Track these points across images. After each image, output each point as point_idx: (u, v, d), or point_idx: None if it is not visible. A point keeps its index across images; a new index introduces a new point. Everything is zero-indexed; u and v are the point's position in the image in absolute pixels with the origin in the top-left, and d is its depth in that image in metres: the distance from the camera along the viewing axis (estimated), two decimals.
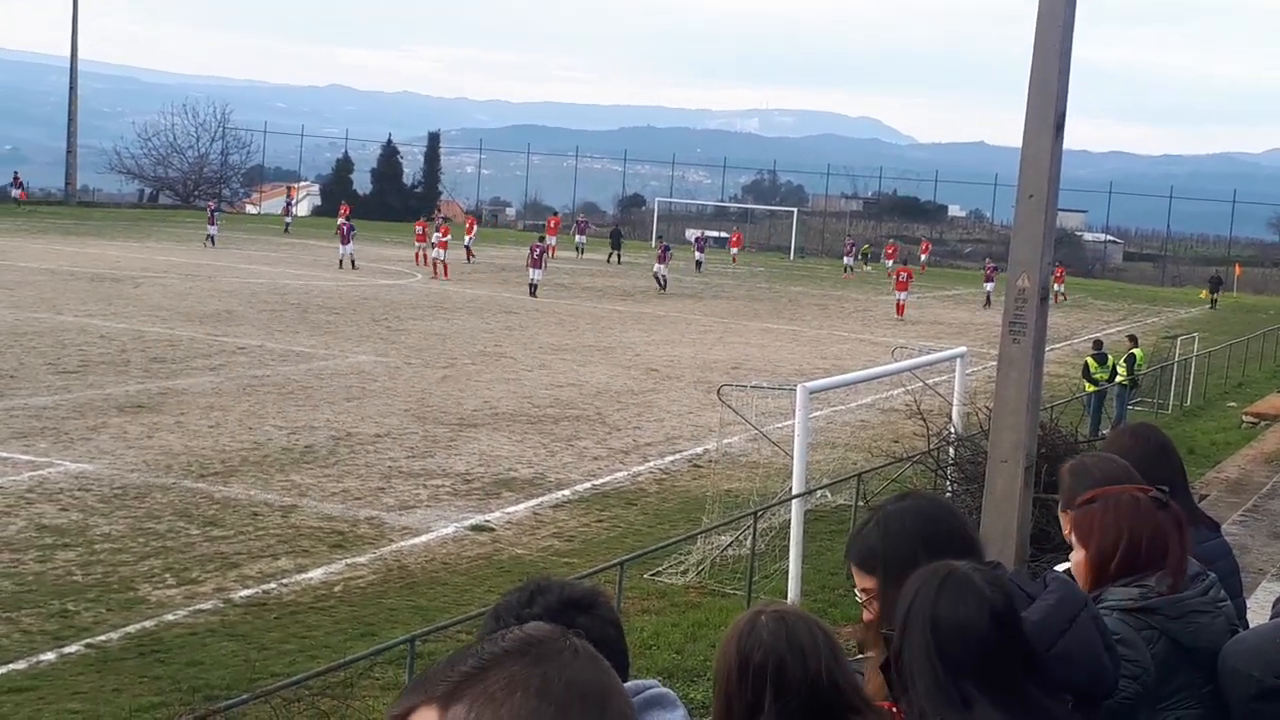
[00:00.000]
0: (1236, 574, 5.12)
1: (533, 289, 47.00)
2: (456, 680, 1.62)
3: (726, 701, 3.09)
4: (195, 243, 57.53)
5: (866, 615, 3.65)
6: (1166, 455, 5.06)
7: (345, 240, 53.20)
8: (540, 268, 47.72)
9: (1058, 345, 39.23)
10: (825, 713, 3.01)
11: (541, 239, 55.73)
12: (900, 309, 49.32)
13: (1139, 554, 4.07)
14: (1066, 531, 4.36)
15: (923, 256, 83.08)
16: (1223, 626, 4.14)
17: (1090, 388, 28.41)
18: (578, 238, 72.16)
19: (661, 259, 53.84)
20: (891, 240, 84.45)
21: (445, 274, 51.83)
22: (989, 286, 56.32)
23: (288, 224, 73.30)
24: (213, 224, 59.60)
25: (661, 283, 53.02)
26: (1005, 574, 3.61)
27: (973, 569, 3.26)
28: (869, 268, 76.50)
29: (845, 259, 76.50)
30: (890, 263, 73.50)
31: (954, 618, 3.13)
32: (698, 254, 68.44)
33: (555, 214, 79.75)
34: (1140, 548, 4.07)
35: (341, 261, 52.66)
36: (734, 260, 74.66)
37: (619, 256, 67.64)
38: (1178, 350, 35.56)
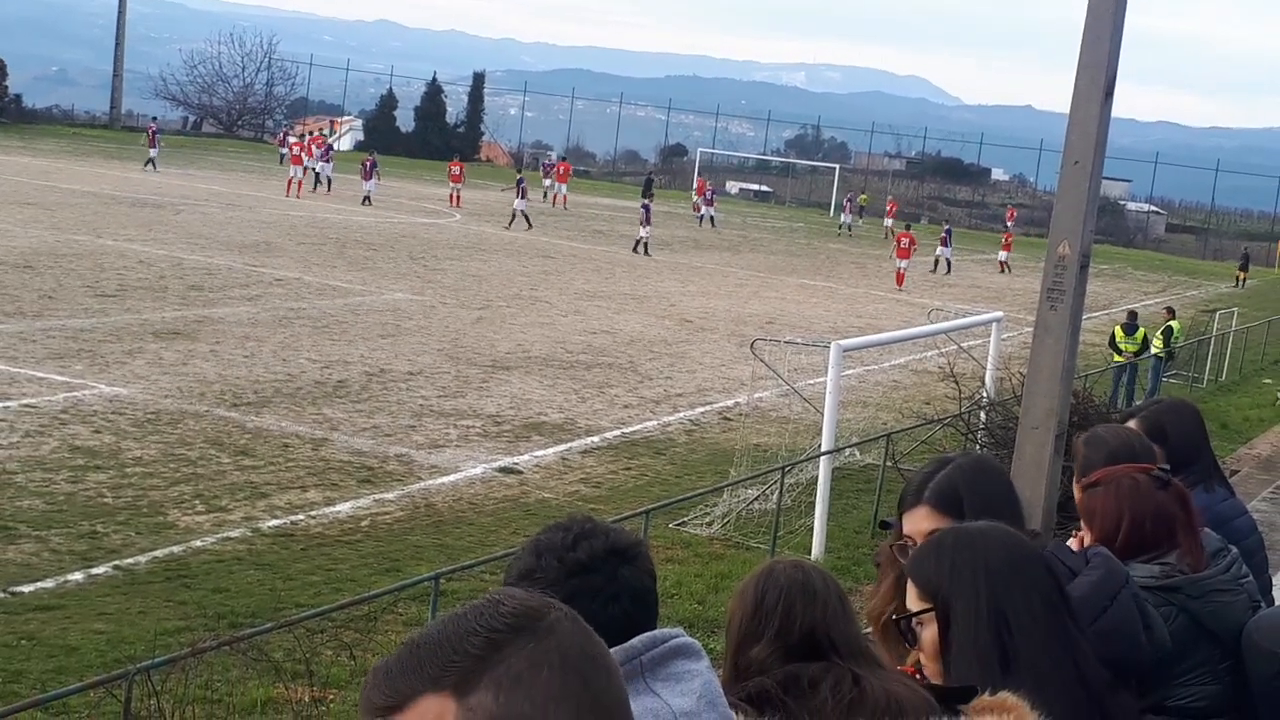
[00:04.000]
0: (1262, 550, 5.11)
1: (642, 247, 45.74)
2: (466, 665, 1.55)
3: (738, 642, 3.18)
4: (238, 171, 57.54)
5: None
6: (1203, 430, 5.08)
7: (367, 176, 53.02)
8: (650, 225, 46.49)
9: (1095, 314, 39.02)
10: (820, 656, 3.08)
11: (651, 196, 54.53)
12: (900, 279, 45.02)
13: (1143, 535, 4.06)
14: (1080, 504, 4.37)
15: (1009, 224, 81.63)
16: (1244, 604, 4.13)
17: (1117, 358, 28.07)
18: (546, 182, 67.36)
19: (520, 194, 51.00)
20: (892, 197, 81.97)
21: (299, 192, 52.41)
22: (944, 251, 52.60)
23: (283, 155, 70.24)
24: (154, 146, 57.62)
25: (526, 220, 49.79)
26: (1044, 545, 3.62)
27: (1007, 527, 3.27)
28: (861, 221, 72.92)
29: (843, 216, 72.06)
30: (889, 221, 70.01)
31: (1009, 566, 3.10)
32: (706, 207, 62.25)
33: (565, 159, 73.22)
34: (1144, 529, 4.06)
35: (366, 198, 52.63)
36: (695, 209, 67.12)
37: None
38: (1215, 324, 35.34)
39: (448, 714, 1.54)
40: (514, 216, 50.07)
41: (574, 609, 2.54)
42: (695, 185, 68.86)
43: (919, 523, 3.67)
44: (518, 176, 53.00)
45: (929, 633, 3.09)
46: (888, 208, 74.78)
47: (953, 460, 3.84)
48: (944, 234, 54.01)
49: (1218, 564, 4.13)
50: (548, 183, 66.99)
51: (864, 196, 77.21)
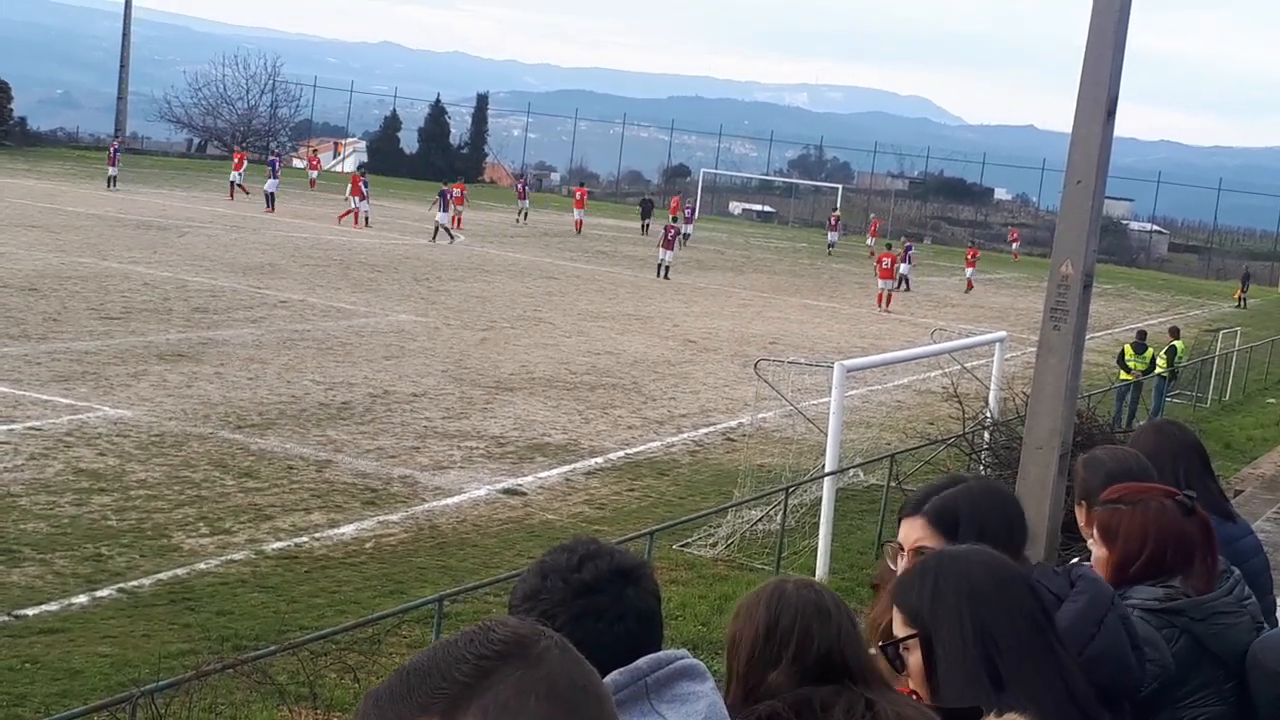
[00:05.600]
0: (1267, 571, 5.10)
1: (663, 271, 45.51)
2: (454, 691, 1.55)
3: (748, 664, 3.10)
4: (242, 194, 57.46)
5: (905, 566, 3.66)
6: (1191, 453, 5.04)
7: (360, 197, 53.04)
8: (673, 249, 46.30)
9: (1098, 334, 39.02)
10: (834, 679, 3.03)
11: (674, 219, 54.22)
12: (883, 300, 43.81)
13: (1163, 560, 4.06)
14: (1082, 524, 4.37)
15: (1014, 245, 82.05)
16: (1247, 626, 4.13)
17: (1125, 376, 28.10)
18: (523, 203, 66.19)
19: (443, 208, 50.27)
20: (875, 215, 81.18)
21: (356, 223, 52.03)
22: (904, 268, 50.08)
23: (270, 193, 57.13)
24: (113, 165, 57.14)
25: (449, 235, 49.92)
26: (1030, 569, 3.64)
27: (990, 549, 3.30)
28: (834, 237, 71.17)
29: (830, 234, 70.87)
30: (871, 240, 69.05)
31: (992, 587, 3.14)
32: (684, 225, 59.52)
33: (582, 185, 72.11)
34: (1165, 554, 4.06)
35: (356, 218, 52.53)
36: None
37: (648, 226, 65.03)
38: (1219, 344, 35.34)
39: None
40: (437, 230, 49.85)
41: (579, 630, 2.56)
42: (671, 204, 67.97)
43: (911, 531, 3.68)
44: (440, 189, 52.55)
45: (915, 658, 3.11)
46: (870, 226, 73.87)
47: (964, 481, 3.85)
48: (904, 250, 51.83)
49: (1220, 586, 4.13)
50: (525, 204, 66.06)
51: (836, 212, 75.99)
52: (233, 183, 59.06)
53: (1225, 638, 4.05)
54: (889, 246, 50.76)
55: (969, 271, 54.96)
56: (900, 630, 3.15)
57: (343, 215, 52.70)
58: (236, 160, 61.63)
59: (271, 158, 62.31)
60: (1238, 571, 4.28)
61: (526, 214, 65.21)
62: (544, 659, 1.60)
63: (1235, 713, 4.06)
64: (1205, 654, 4.03)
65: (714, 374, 27.79)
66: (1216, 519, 4.88)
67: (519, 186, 69.08)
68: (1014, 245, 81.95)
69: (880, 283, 44.52)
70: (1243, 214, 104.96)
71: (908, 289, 50.21)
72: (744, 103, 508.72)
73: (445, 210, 50.41)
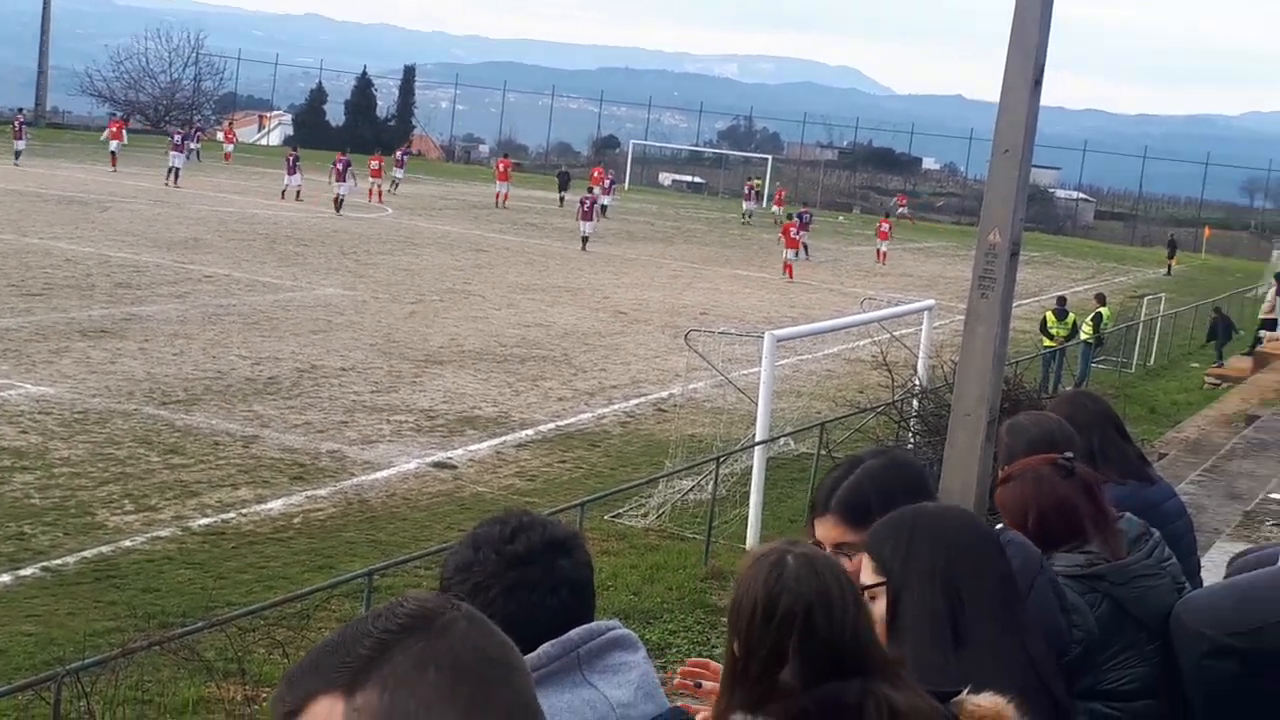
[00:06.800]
0: (1191, 533, 5.14)
1: (584, 242, 45.12)
2: (356, 665, 1.57)
3: (746, 645, 2.85)
4: (165, 168, 56.69)
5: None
6: (1105, 422, 5.06)
7: (291, 171, 52.38)
8: (591, 220, 46.00)
9: (1025, 301, 39.33)
10: (848, 669, 2.79)
11: (590, 190, 53.85)
12: (789, 270, 43.34)
13: (1047, 526, 4.06)
14: (996, 498, 4.40)
15: (901, 209, 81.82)
16: (1168, 588, 4.16)
17: (1047, 343, 28.42)
18: (398, 172, 63.01)
19: (341, 177, 49.37)
20: (780, 185, 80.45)
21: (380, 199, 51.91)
22: (803, 235, 47.55)
23: (175, 170, 54.23)
24: (20, 138, 54.61)
25: (337, 204, 48.71)
26: None
27: (965, 508, 3.32)
28: (757, 207, 69.42)
29: (745, 204, 69.00)
30: (778, 209, 67.39)
31: (966, 544, 3.19)
32: (604, 196, 57.72)
33: (506, 156, 68.87)
34: (1049, 519, 4.07)
35: (284, 192, 51.91)
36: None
37: (564, 199, 62.94)
38: (1143, 310, 35.74)
39: (336, 713, 1.56)
40: (338, 200, 49.06)
41: (512, 601, 2.54)
42: (593, 175, 66.62)
43: (828, 531, 3.61)
44: (336, 157, 51.12)
45: (878, 606, 3.14)
46: (775, 195, 72.62)
47: (862, 462, 3.75)
48: (798, 217, 48.91)
49: (1140, 549, 4.15)
50: (399, 173, 63.16)
51: (756, 181, 75.04)
52: (112, 152, 57.49)
53: (1146, 600, 4.08)
54: (789, 216, 49.36)
55: (881, 244, 53.54)
56: (869, 578, 3.17)
57: (371, 194, 52.71)
58: (113, 129, 59.39)
59: (174, 133, 61.41)
60: (1157, 534, 4.30)
61: (396, 184, 61.76)
62: (448, 631, 1.61)
63: (1158, 673, 4.09)
64: (1127, 617, 4.05)
65: (645, 345, 27.79)
66: (1136, 483, 4.92)
67: (398, 155, 67.15)
68: (900, 209, 79.66)
69: (786, 253, 43.85)
70: (1167, 181, 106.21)
71: (806, 256, 48.79)
72: (674, 74, 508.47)
73: (344, 181, 49.37)
